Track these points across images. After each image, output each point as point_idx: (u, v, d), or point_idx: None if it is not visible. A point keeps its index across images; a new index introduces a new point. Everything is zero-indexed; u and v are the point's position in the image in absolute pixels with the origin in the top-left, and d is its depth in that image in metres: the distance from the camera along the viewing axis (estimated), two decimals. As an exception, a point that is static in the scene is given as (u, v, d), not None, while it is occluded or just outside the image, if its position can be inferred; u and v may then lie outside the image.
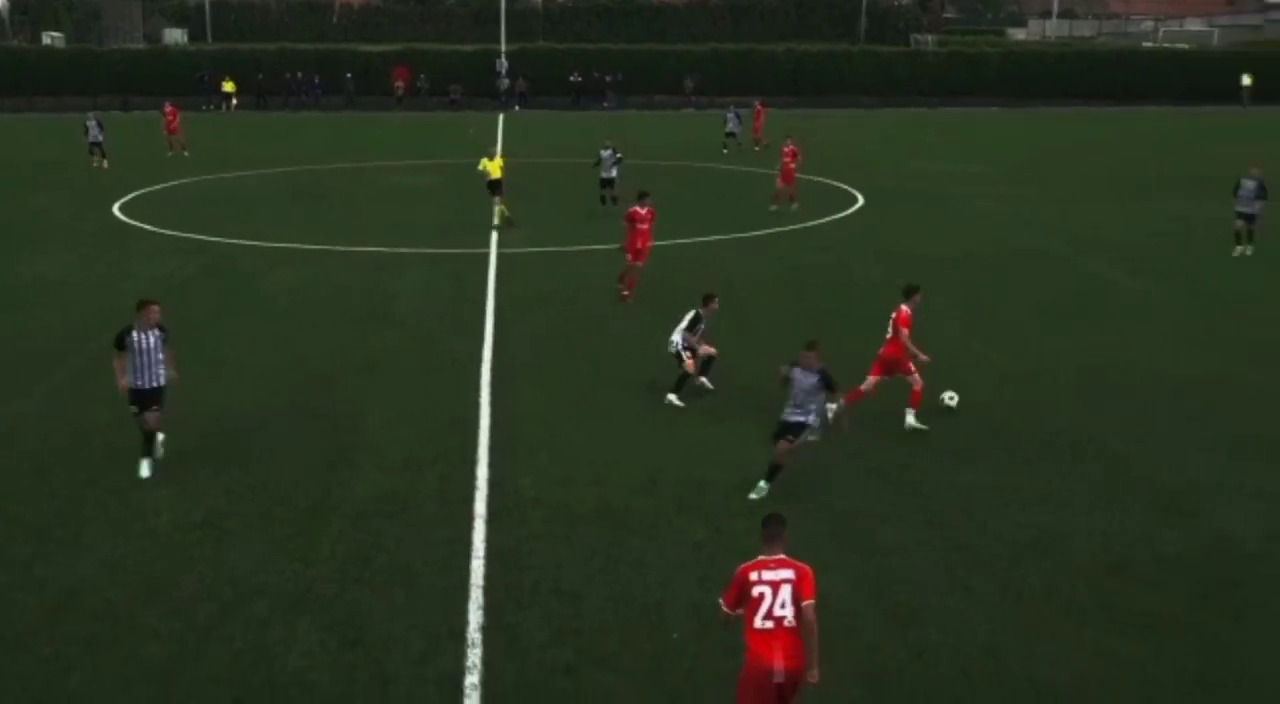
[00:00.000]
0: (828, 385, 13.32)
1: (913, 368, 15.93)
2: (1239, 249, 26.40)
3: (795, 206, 32.10)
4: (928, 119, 63.31)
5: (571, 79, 70.60)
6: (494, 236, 29.17)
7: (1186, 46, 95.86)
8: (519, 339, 20.32)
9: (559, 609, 11.07)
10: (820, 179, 37.48)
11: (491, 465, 14.57)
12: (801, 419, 13.33)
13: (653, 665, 10.13)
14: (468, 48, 76.33)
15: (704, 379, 17.25)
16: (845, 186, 37.12)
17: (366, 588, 11.46)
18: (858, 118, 63.60)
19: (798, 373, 13.32)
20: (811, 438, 13.61)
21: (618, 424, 16.13)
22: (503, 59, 73.07)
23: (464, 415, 16.34)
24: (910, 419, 15.89)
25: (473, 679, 9.88)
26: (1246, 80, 69.82)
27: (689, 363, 16.93)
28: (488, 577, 11.68)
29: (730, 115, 48.01)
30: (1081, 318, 21.68)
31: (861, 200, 34.83)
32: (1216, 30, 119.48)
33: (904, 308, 15.94)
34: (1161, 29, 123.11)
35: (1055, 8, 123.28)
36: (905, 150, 48.47)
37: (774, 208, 32.15)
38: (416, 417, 16.41)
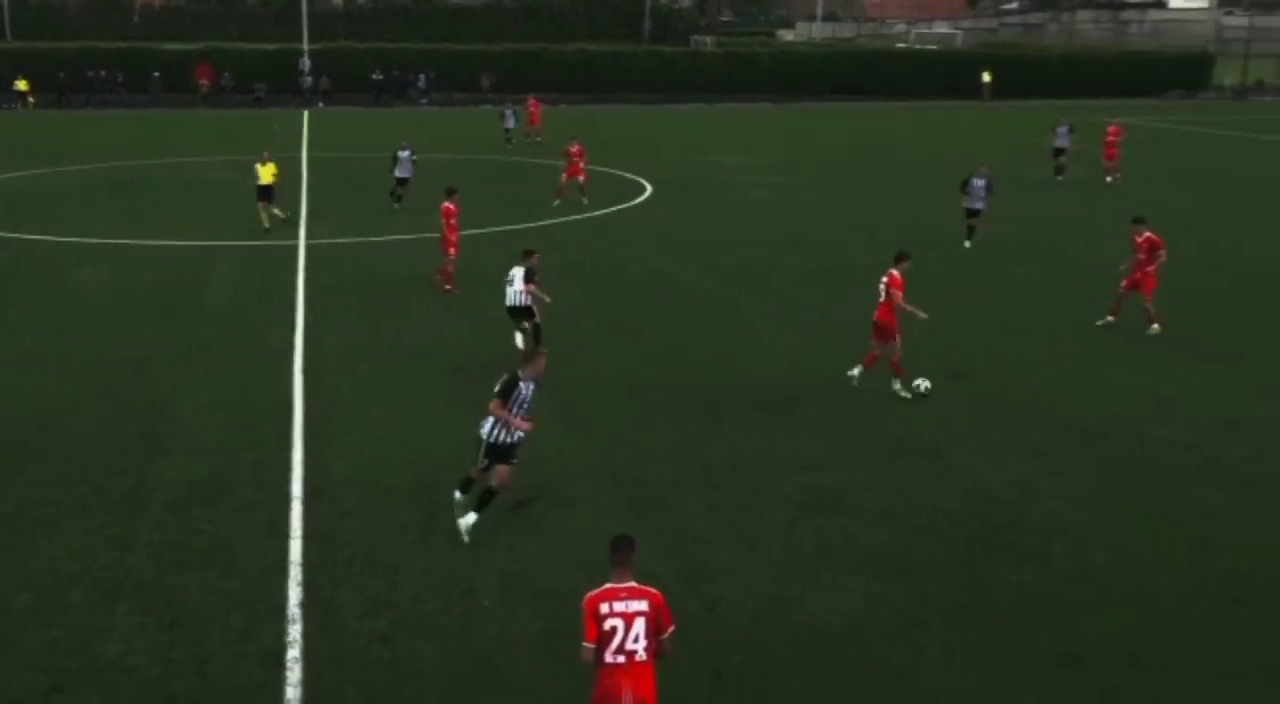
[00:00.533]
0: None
1: (895, 337, 15.97)
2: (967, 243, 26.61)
3: (585, 201, 31.88)
4: (707, 114, 64.28)
5: (374, 77, 69.23)
6: (302, 229, 28.41)
7: (935, 47, 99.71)
8: (330, 327, 19.89)
9: (374, 582, 10.94)
10: (611, 170, 37.69)
11: (306, 448, 14.27)
12: (511, 441, 11.74)
13: (464, 631, 10.11)
14: (270, 47, 73.80)
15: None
16: (635, 177, 37.40)
17: (185, 572, 11.09)
18: (644, 113, 64.16)
19: (523, 385, 11.74)
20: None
21: (425, 406, 15.96)
22: (305, 58, 71.09)
23: (278, 401, 15.93)
24: (896, 386, 16.03)
25: (293, 653, 9.70)
26: (986, 77, 73.09)
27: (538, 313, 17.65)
28: (305, 555, 11.46)
29: (507, 111, 47.96)
30: (854, 292, 22.38)
31: (650, 190, 35.19)
32: (960, 32, 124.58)
33: (894, 272, 16.07)
34: (913, 31, 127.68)
35: (819, 11, 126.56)
36: (688, 143, 49.09)
37: (557, 202, 31.70)
38: (230, 404, 15.92)
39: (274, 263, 24.91)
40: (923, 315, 16.09)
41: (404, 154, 31.44)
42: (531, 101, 50.55)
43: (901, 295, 15.91)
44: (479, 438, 11.83)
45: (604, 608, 7.31)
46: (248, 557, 11.43)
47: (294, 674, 9.41)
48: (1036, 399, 16.20)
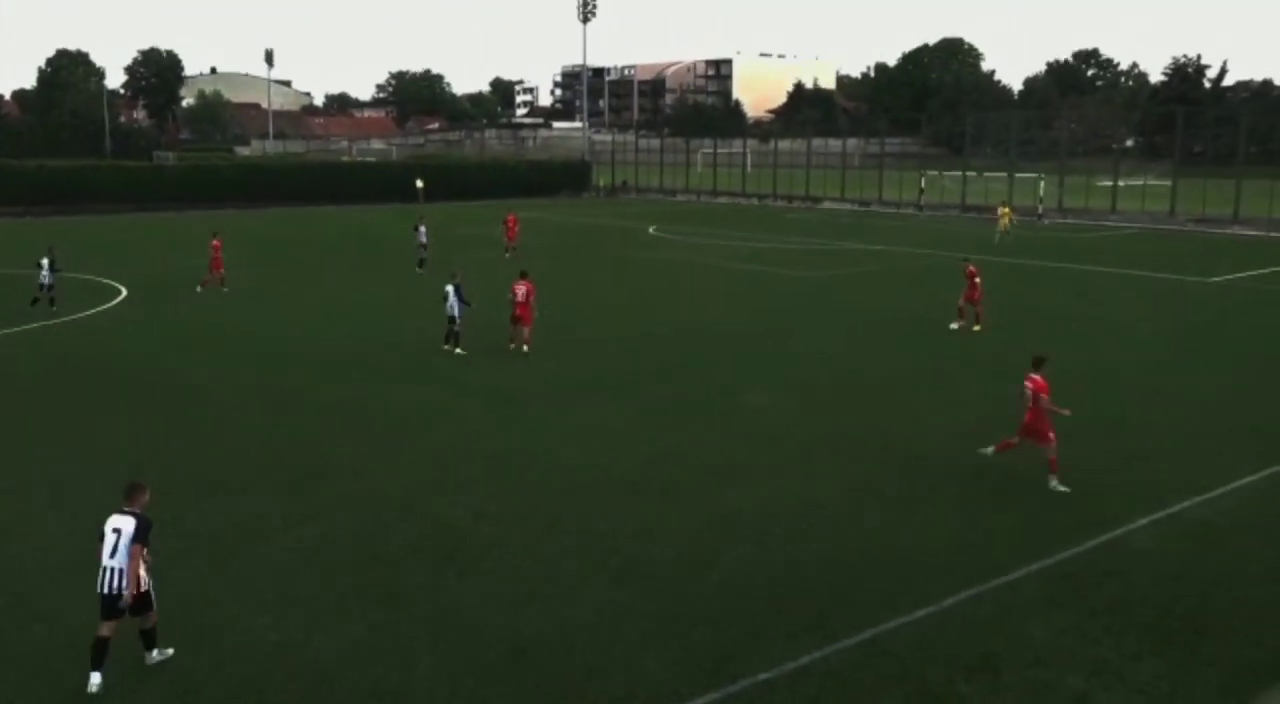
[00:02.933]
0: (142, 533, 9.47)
1: (1050, 437, 14.30)
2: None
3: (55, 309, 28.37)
4: (175, 221, 59.99)
5: None
6: None
7: (374, 159, 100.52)
8: None
9: None
10: (85, 276, 33.99)
11: None
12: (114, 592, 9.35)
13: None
14: None
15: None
16: (108, 281, 33.98)
17: None
18: (114, 223, 58.51)
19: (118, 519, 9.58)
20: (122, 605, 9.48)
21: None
22: None
23: None
24: (1053, 483, 14.29)
25: None
26: (420, 183, 74.92)
27: None
28: None
29: None
30: (341, 369, 21.83)
31: (124, 292, 32.14)
32: (394, 147, 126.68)
33: (1037, 376, 14.51)
34: (354, 147, 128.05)
35: (271, 130, 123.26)
36: (161, 248, 45.48)
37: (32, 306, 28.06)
38: None
39: None
40: (1066, 412, 14.58)
41: (45, 261, 27.99)
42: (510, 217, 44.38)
43: (1048, 399, 14.39)
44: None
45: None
46: None
47: None
48: (485, 441, 16.63)
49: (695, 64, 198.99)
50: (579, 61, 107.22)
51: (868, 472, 15.22)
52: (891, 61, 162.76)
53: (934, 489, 14.44)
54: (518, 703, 9.12)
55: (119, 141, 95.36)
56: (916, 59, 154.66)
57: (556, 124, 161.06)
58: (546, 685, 9.39)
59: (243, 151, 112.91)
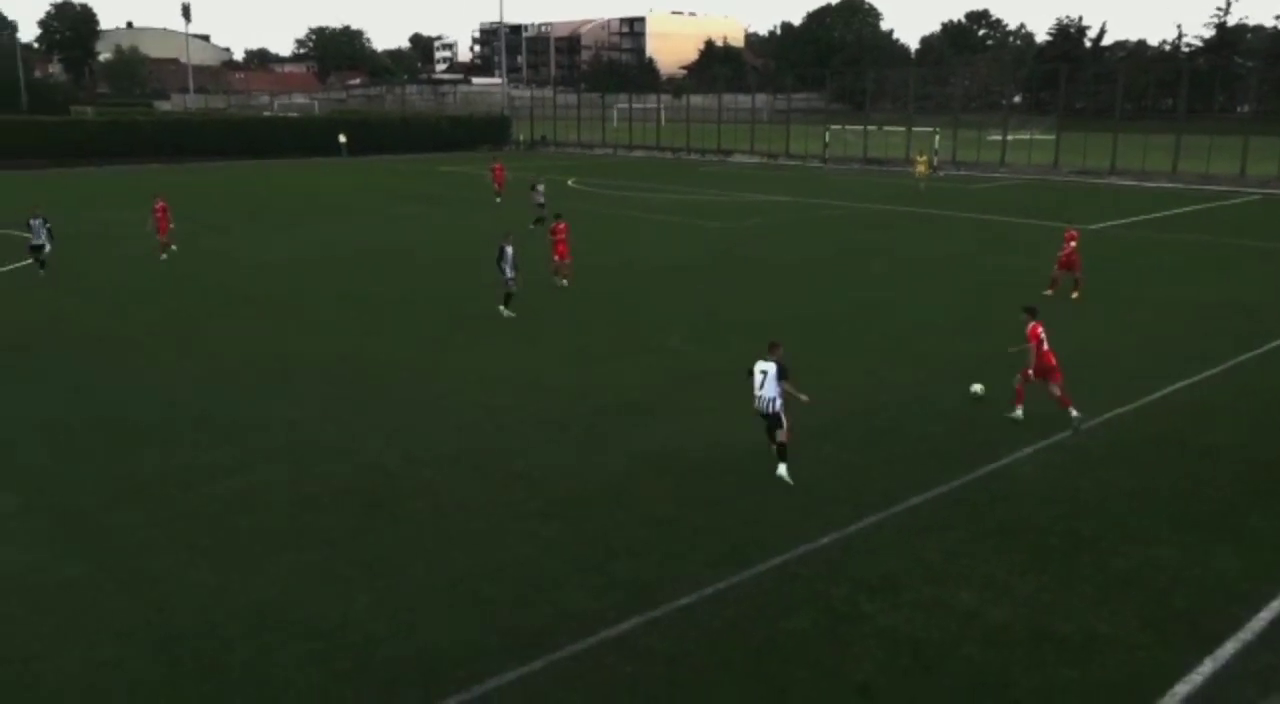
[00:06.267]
0: None
1: (1058, 377, 14.59)
2: None
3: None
4: (93, 176, 57.59)
5: None
6: None
7: (297, 114, 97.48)
8: None
9: None
10: (9, 232, 32.53)
11: None
12: None
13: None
14: None
15: None
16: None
17: None
18: (32, 179, 55.91)
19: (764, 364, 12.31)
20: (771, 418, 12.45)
21: None
22: None
23: None
24: (1074, 413, 14.51)
25: None
26: (343, 138, 72.98)
27: None
28: None
29: None
30: (247, 324, 21.36)
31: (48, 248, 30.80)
32: (316, 102, 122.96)
33: (1035, 323, 14.83)
34: (276, 102, 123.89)
35: (191, 85, 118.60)
36: (80, 203, 43.67)
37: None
38: None
39: None
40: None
41: (35, 221, 26.06)
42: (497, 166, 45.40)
43: (1033, 346, 14.70)
44: None
45: None
46: None
47: None
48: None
49: (610, 22, 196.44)
50: (497, 18, 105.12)
51: (777, 410, 15.47)
52: (796, 21, 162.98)
53: (837, 424, 14.76)
54: (451, 633, 9.18)
55: (35, 96, 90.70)
56: (820, 18, 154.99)
57: (476, 80, 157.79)
58: (478, 615, 9.47)
59: (163, 106, 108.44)
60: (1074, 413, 14.57)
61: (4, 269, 26.90)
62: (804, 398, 12.64)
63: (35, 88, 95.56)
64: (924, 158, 54.16)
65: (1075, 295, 23.84)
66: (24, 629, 9.17)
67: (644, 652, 8.88)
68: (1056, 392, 14.63)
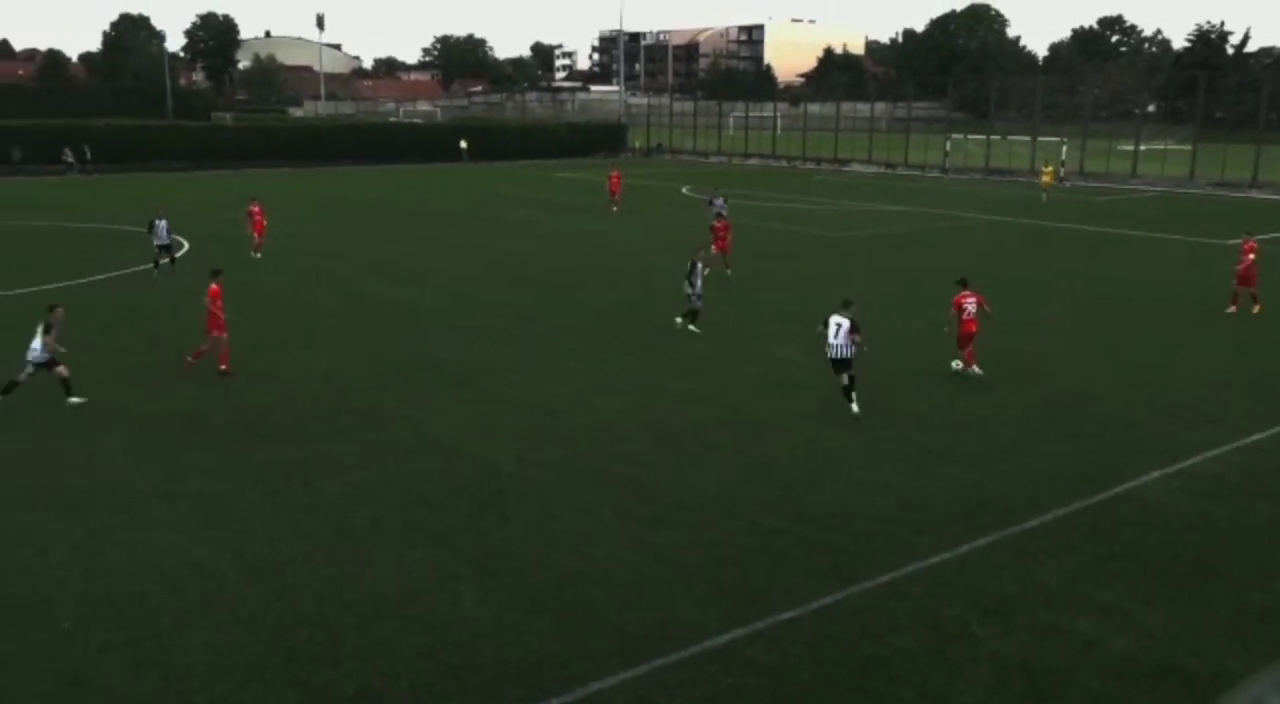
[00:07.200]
0: None
1: (970, 343, 17.01)
2: None
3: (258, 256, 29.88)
4: (231, 179, 60.32)
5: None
6: None
7: (420, 121, 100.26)
8: None
9: (-54, 626, 9.28)
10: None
11: None
12: None
13: (48, 655, 8.85)
14: None
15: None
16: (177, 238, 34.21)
17: None
18: (175, 180, 58.93)
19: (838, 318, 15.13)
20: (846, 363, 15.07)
21: (-16, 455, 13.74)
22: None
23: None
24: (974, 369, 17.03)
25: None
26: (464, 144, 74.74)
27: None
28: None
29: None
30: (370, 325, 22.03)
31: (186, 245, 32.44)
32: (439, 109, 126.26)
33: (968, 293, 17.12)
34: (401, 108, 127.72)
35: (322, 92, 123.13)
36: (218, 203, 45.80)
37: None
38: None
39: None
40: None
41: (161, 223, 27.29)
42: (614, 174, 44.55)
43: (954, 313, 17.13)
44: None
45: None
46: None
47: None
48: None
49: (728, 29, 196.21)
50: (616, 27, 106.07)
51: (884, 423, 15.19)
52: (919, 27, 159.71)
53: (952, 441, 14.39)
54: (557, 633, 9.27)
55: (180, 103, 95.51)
56: (944, 25, 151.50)
57: (594, 87, 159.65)
58: (584, 618, 9.53)
59: (296, 112, 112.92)
60: (975, 369, 16.90)
61: (142, 267, 28.39)
62: (865, 348, 15.33)
63: (180, 95, 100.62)
64: (1049, 168, 52.47)
65: (1256, 310, 22.80)
66: (156, 608, 9.63)
67: (746, 663, 8.80)
68: (968, 350, 17.06)
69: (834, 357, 15.20)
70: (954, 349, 17.49)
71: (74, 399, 15.53)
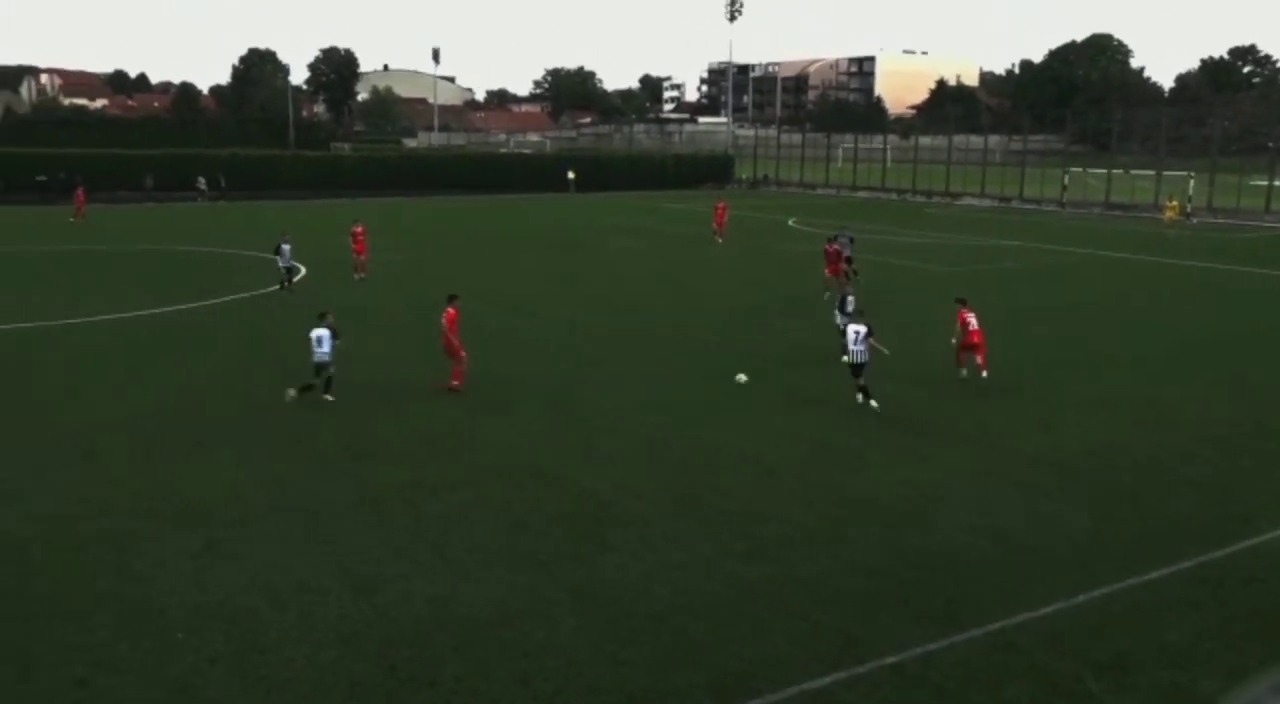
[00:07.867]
0: None
1: (982, 351, 18.77)
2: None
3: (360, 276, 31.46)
4: (349, 207, 62.37)
5: (38, 179, 62.15)
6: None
7: (529, 151, 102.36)
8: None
9: (67, 629, 9.71)
10: (270, 255, 35.70)
11: (-11, 516, 12.48)
12: None
13: (158, 664, 9.18)
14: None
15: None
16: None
17: None
18: (296, 207, 61.32)
19: (856, 327, 17.47)
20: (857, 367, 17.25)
21: (105, 461, 14.42)
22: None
23: (-42, 476, 13.85)
24: (984, 374, 18.71)
25: (-12, 706, 8.43)
26: (571, 175, 75.96)
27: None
28: (-4, 614, 10.00)
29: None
30: (474, 350, 22.41)
31: (303, 270, 33.63)
32: (548, 140, 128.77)
33: (966, 310, 19.00)
34: (512, 140, 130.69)
35: (436, 124, 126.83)
36: (337, 228, 47.39)
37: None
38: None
39: None
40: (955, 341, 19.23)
41: (286, 247, 29.20)
42: (720, 205, 45.16)
43: (959, 328, 18.93)
44: None
45: None
46: (-65, 623, 9.83)
47: (-9, 726, 8.18)
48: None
49: (838, 61, 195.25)
50: (725, 59, 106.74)
51: (998, 463, 14.74)
52: (1036, 58, 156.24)
53: (1064, 484, 13.88)
54: (653, 665, 9.21)
55: (301, 133, 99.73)
56: (1063, 55, 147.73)
57: (702, 119, 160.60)
58: (679, 652, 9.45)
59: (410, 143, 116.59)
60: (983, 374, 18.58)
61: (265, 290, 29.54)
62: (885, 351, 17.16)
63: (301, 126, 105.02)
64: (1174, 203, 50.55)
65: None
66: (263, 623, 9.92)
67: (846, 707, 8.58)
68: (979, 360, 18.80)
69: (853, 361, 17.15)
70: (1010, 368, 19.11)
71: (328, 396, 17.34)
